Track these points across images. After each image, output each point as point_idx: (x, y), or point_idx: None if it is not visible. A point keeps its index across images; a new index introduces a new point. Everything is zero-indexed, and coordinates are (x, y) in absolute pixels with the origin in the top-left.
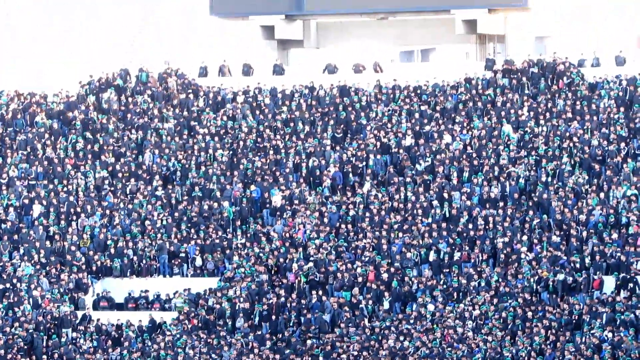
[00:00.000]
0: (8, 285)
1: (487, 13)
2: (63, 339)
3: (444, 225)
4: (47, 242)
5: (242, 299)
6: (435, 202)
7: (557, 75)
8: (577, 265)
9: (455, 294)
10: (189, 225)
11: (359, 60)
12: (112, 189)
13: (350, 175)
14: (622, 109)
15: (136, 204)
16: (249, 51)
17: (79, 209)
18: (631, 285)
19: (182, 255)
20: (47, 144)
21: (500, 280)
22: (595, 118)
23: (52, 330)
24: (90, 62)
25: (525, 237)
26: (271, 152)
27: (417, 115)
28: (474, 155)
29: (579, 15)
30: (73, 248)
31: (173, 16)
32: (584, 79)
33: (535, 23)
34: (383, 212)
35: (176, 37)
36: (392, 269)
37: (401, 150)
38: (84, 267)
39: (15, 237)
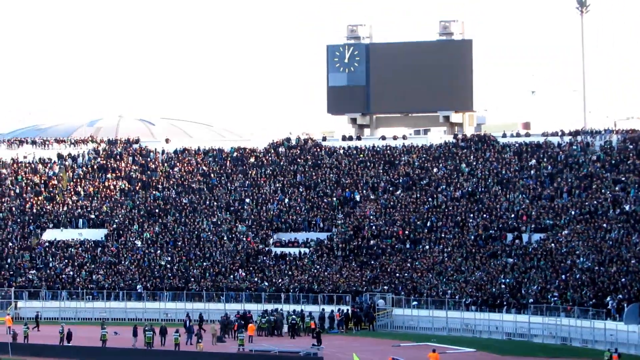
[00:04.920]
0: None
1: (455, 112)
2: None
3: (433, 210)
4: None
5: (340, 242)
6: (430, 199)
7: (487, 142)
8: (496, 228)
9: (438, 240)
10: (315, 208)
11: (395, 133)
12: (278, 191)
13: (390, 185)
14: (516, 157)
15: (294, 199)
16: (346, 129)
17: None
18: (519, 239)
19: (313, 222)
20: (253, 173)
21: (456, 237)
22: (505, 160)
23: (251, 259)
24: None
25: (472, 215)
26: (354, 175)
27: (422, 159)
28: (448, 178)
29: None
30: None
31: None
32: (498, 142)
33: (477, 116)
34: (406, 203)
35: (307, 124)
36: (410, 228)
37: (414, 175)
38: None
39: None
